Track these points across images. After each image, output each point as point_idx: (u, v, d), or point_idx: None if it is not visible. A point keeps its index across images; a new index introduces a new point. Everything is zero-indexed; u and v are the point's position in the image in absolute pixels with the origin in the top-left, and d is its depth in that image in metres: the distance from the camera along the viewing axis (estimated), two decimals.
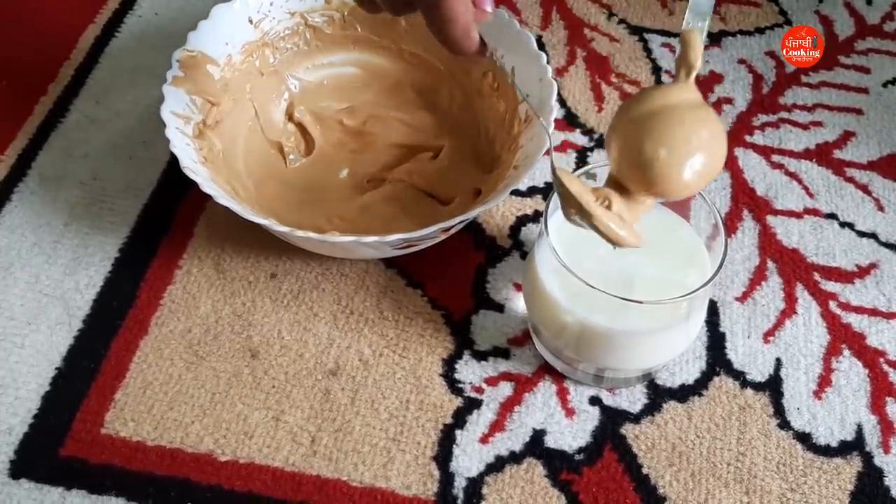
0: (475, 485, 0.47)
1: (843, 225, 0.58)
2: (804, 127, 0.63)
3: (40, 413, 0.48)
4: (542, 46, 0.67)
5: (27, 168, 0.58)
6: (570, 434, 0.48)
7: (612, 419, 0.49)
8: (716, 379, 0.51)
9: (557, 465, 0.47)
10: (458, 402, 0.49)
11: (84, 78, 0.64)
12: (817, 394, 0.50)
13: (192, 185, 0.48)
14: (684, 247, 0.48)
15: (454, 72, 0.60)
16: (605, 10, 0.70)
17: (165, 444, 0.47)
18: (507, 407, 0.49)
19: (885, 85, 0.66)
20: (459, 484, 0.47)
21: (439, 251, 0.54)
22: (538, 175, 0.59)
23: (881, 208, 0.59)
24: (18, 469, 0.47)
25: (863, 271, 0.55)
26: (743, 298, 0.54)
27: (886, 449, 0.48)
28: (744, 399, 0.50)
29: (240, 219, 0.48)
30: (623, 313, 0.44)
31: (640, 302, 0.42)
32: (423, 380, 0.50)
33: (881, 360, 0.52)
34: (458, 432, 0.48)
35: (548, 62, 0.53)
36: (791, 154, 0.61)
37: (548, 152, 0.44)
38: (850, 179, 0.60)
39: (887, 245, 0.57)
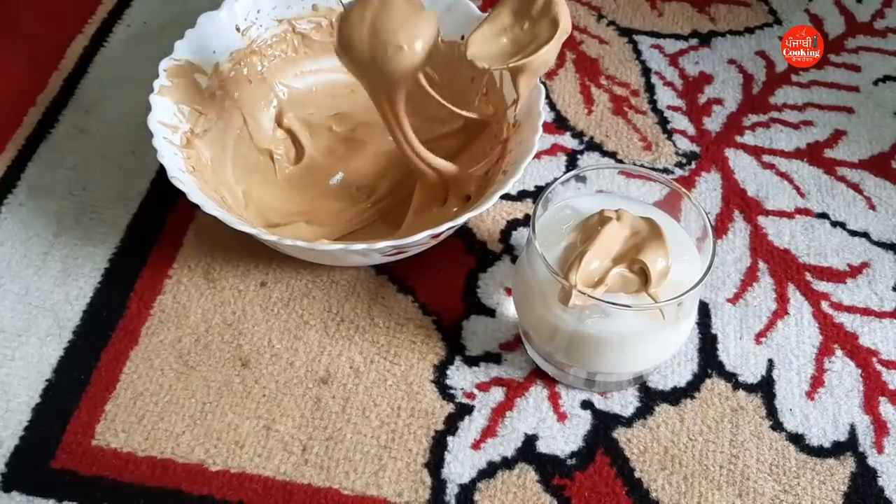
0: (467, 491, 0.46)
1: (835, 224, 0.57)
2: (795, 126, 0.63)
3: (31, 425, 0.48)
4: None
5: (16, 180, 0.58)
6: (563, 439, 0.48)
7: (604, 423, 0.49)
8: (708, 381, 0.50)
9: (549, 470, 0.47)
10: (449, 408, 0.49)
11: (73, 88, 0.64)
12: (810, 394, 0.50)
13: (181, 194, 0.48)
14: (674, 248, 0.48)
15: (443, 77, 0.60)
16: (594, 12, 0.70)
17: (156, 454, 0.47)
18: (499, 412, 0.49)
19: (876, 83, 0.66)
20: (451, 491, 0.46)
21: (430, 256, 0.54)
22: (528, 179, 0.59)
23: (873, 207, 0.58)
24: (10, 482, 0.46)
25: (855, 270, 0.55)
26: (734, 300, 0.54)
27: (880, 449, 0.48)
28: (736, 401, 0.50)
29: (229, 228, 0.47)
30: (613, 317, 0.44)
31: (628, 307, 0.42)
32: (414, 386, 0.50)
33: (874, 359, 0.51)
34: (449, 439, 0.48)
35: None
36: (782, 154, 0.61)
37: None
38: (842, 178, 0.60)
39: (879, 244, 0.57)
